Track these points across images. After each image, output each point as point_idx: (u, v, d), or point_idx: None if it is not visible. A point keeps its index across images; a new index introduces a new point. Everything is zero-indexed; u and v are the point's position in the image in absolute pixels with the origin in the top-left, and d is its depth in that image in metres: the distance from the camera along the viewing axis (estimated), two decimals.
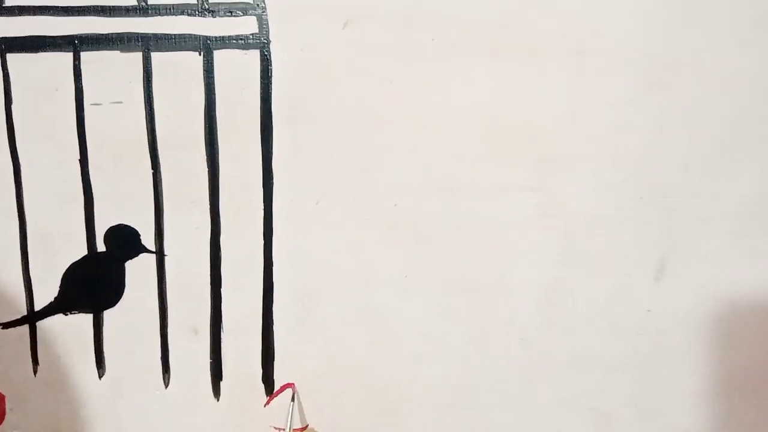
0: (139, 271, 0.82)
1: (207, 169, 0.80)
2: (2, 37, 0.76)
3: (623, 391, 0.86)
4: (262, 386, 0.85)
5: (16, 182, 0.79)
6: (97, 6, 0.76)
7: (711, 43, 0.79)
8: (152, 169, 0.79)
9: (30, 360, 0.84)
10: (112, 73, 0.77)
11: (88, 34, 0.76)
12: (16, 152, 0.78)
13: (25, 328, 0.83)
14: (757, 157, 0.80)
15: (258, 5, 0.76)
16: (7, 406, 0.85)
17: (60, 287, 0.82)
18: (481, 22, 0.77)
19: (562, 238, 0.83)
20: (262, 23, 0.76)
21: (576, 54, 0.78)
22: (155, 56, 0.77)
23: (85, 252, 0.81)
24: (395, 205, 0.81)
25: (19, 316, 0.82)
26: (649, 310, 0.83)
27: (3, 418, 0.85)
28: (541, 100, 0.79)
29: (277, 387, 0.85)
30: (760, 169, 0.80)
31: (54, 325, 0.83)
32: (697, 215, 0.81)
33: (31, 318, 0.83)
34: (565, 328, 0.84)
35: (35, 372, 0.84)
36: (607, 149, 0.81)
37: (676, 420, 0.86)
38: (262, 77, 0.77)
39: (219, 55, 0.77)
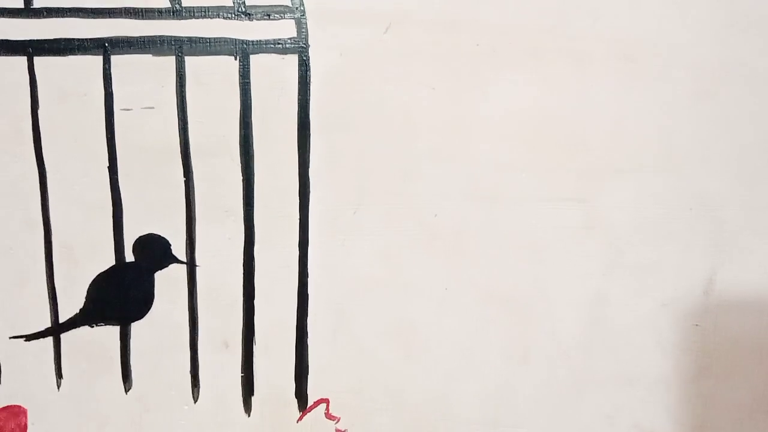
0: (169, 282, 0.78)
1: (241, 177, 0.75)
2: (29, 40, 0.72)
3: (667, 408, 0.82)
4: (294, 401, 0.81)
5: (41, 190, 0.75)
6: (128, 8, 0.72)
7: (761, 50, 0.75)
8: (184, 176, 0.75)
9: (53, 373, 0.79)
10: (143, 78, 0.73)
11: (118, 36, 0.72)
12: (42, 159, 0.74)
13: (48, 341, 0.79)
14: None
15: (297, 8, 0.72)
16: (29, 421, 0.80)
17: (86, 298, 0.78)
18: (526, 27, 0.73)
19: (607, 251, 0.79)
20: (301, 27, 0.72)
21: (623, 60, 0.75)
22: (189, 60, 0.73)
23: (112, 262, 0.77)
24: (435, 216, 0.77)
25: (42, 328, 0.78)
26: (696, 325, 0.79)
27: None
28: (586, 107, 0.75)
29: (310, 402, 0.81)
30: None
31: (79, 338, 0.79)
32: (747, 227, 0.78)
33: (56, 330, 0.78)
34: (608, 343, 0.81)
35: (59, 386, 0.80)
36: (653, 158, 0.77)
37: None
38: (300, 83, 0.73)
39: (255, 60, 0.73)
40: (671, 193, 0.77)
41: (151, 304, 0.78)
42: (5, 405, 0.80)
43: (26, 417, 0.81)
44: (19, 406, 0.80)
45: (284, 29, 0.72)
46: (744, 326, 0.80)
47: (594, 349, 0.81)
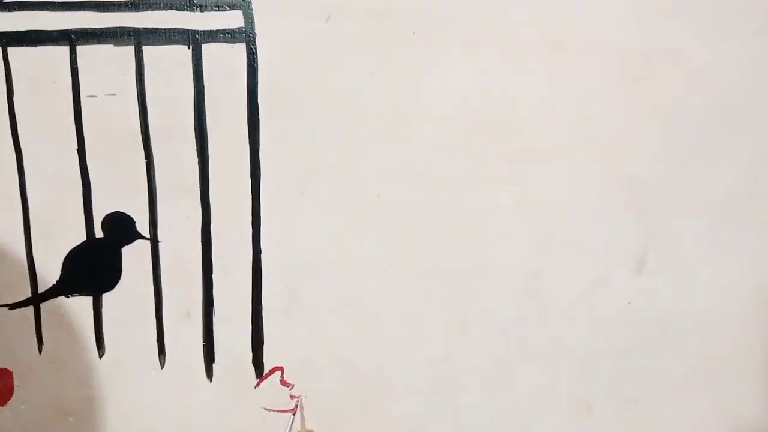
0: (135, 256, 0.71)
1: (197, 159, 0.68)
2: (3, 32, 0.65)
3: (602, 381, 0.72)
4: (252, 369, 0.73)
5: (18, 171, 0.68)
6: (92, 1, 0.65)
7: (687, 34, 0.66)
8: (146, 158, 0.68)
9: (35, 339, 0.73)
10: (106, 67, 0.66)
11: (83, 28, 0.65)
12: (19, 143, 0.68)
13: (29, 310, 0.72)
14: (735, 148, 0.67)
15: (244, 0, 0.64)
16: (15, 383, 0.74)
17: (61, 271, 0.71)
18: (459, 16, 0.65)
19: (541, 230, 0.70)
20: (248, 17, 0.65)
21: (552, 47, 0.66)
22: (147, 50, 0.66)
23: (84, 238, 0.70)
24: (378, 197, 0.69)
25: (23, 298, 0.71)
26: (629, 303, 0.69)
27: (11, 394, 0.74)
28: (518, 92, 0.66)
29: (266, 370, 0.73)
30: (738, 160, 0.67)
31: (57, 307, 0.72)
32: (676, 208, 0.68)
33: (35, 300, 0.72)
34: (543, 318, 0.71)
35: (40, 351, 0.73)
36: (584, 142, 0.68)
37: (655, 411, 0.72)
38: (248, 70, 0.66)
39: (207, 49, 0.65)
40: (602, 175, 0.68)
41: (120, 276, 0.71)
42: None
43: (13, 379, 0.74)
44: (6, 369, 0.74)
45: (233, 20, 0.65)
46: (674, 304, 0.69)
47: (529, 324, 0.72)
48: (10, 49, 0.66)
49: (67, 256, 0.71)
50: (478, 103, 0.67)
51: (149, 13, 0.65)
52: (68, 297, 0.72)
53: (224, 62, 0.66)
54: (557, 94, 0.66)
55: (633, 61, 0.66)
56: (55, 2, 0.65)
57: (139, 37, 0.66)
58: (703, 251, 0.69)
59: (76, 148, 0.68)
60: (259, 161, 0.68)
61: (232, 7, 0.65)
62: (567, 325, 0.71)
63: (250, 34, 0.65)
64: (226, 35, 0.65)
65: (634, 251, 0.69)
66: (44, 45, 0.66)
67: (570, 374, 0.73)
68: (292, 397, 0.74)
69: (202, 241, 0.71)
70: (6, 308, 0.72)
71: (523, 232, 0.69)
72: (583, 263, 0.70)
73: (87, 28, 0.66)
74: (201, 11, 0.65)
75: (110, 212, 0.70)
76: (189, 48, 0.66)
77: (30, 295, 0.72)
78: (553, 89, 0.66)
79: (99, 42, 0.66)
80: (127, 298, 0.72)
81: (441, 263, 0.71)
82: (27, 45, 0.66)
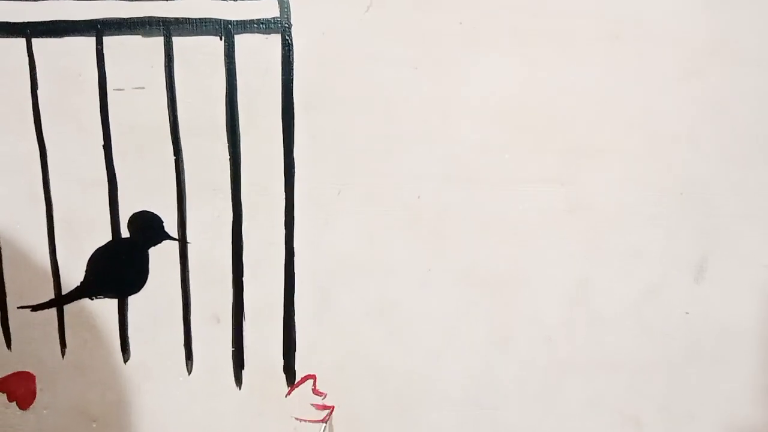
0: (162, 257, 0.68)
1: (228, 156, 0.65)
2: (27, 22, 0.62)
3: (652, 395, 0.68)
4: (283, 376, 0.70)
5: (42, 168, 0.66)
6: None
7: (748, 26, 0.61)
8: (174, 155, 0.65)
9: (58, 343, 0.70)
10: (134, 58, 0.63)
11: (109, 18, 0.62)
12: (43, 138, 0.65)
13: (53, 311, 0.70)
14: None
15: None
16: (38, 387, 0.72)
17: (86, 272, 0.68)
18: (509, 4, 0.61)
19: (591, 234, 0.66)
20: (284, 7, 0.61)
21: (609, 39, 0.62)
22: (176, 41, 0.63)
23: (109, 238, 0.67)
24: (418, 197, 0.65)
25: (46, 300, 0.69)
26: (687, 313, 0.65)
27: (34, 398, 0.72)
28: (571, 87, 0.63)
29: (298, 378, 0.70)
30: None
31: (80, 309, 0.69)
32: (738, 212, 0.64)
33: (59, 302, 0.69)
34: (591, 327, 0.67)
35: (63, 354, 0.70)
36: (639, 140, 0.64)
37: (710, 425, 0.68)
38: (283, 62, 0.63)
39: (240, 40, 0.62)
40: (658, 176, 0.64)
41: (146, 278, 0.69)
42: (16, 371, 0.72)
43: (35, 382, 0.72)
44: (29, 373, 0.72)
45: (267, 9, 0.62)
46: (735, 314, 0.65)
47: (577, 334, 0.68)
48: (34, 41, 0.63)
49: (91, 256, 0.69)
50: (526, 98, 0.63)
51: (179, 2, 0.62)
52: (93, 299, 0.70)
53: (258, 54, 0.63)
54: (612, 87, 0.62)
55: (693, 53, 0.62)
56: None
57: (168, 28, 0.63)
58: (766, 257, 0.65)
59: (102, 144, 0.66)
60: (293, 159, 0.65)
61: None
62: (617, 336, 0.67)
63: (286, 25, 0.62)
64: (260, 25, 0.62)
65: (692, 257, 0.65)
66: (70, 36, 0.63)
67: (619, 387, 0.69)
68: (324, 407, 0.71)
69: (232, 242, 0.68)
70: (29, 310, 0.70)
71: (571, 236, 0.66)
72: (636, 270, 0.66)
73: (114, 18, 0.63)
74: (234, 0, 0.62)
75: (137, 211, 0.68)
76: (221, 39, 0.63)
77: (53, 296, 0.70)
78: (607, 82, 0.62)
79: (126, 33, 0.63)
80: (154, 301, 0.69)
81: (482, 268, 0.67)
82: (52, 36, 0.63)
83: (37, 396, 0.72)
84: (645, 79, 0.62)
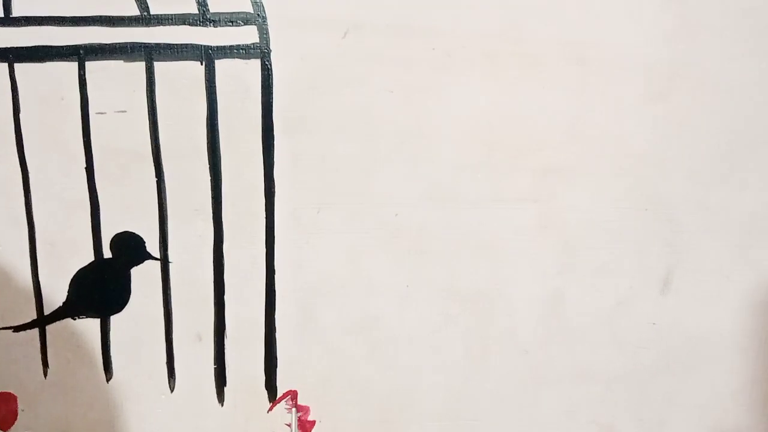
0: (144, 277, 0.71)
1: (209, 178, 0.68)
2: (10, 47, 0.65)
3: (626, 404, 0.72)
4: (265, 392, 0.73)
5: (24, 189, 0.68)
6: (102, 16, 0.65)
7: (712, 51, 0.66)
8: (156, 177, 0.68)
9: (40, 363, 0.72)
10: (116, 83, 0.66)
11: (92, 44, 0.65)
12: (25, 160, 0.68)
13: (35, 332, 0.72)
14: (761, 166, 0.67)
15: (258, 15, 0.64)
16: (19, 407, 0.74)
17: (68, 292, 0.71)
18: (480, 31, 0.65)
19: (562, 250, 0.70)
20: (263, 33, 0.65)
21: (576, 63, 0.66)
22: (158, 66, 0.66)
23: (91, 258, 0.70)
24: (396, 215, 0.69)
25: (29, 320, 0.71)
26: (654, 324, 0.69)
27: (15, 418, 0.74)
28: (540, 110, 0.67)
29: (279, 394, 0.73)
30: (765, 178, 0.67)
31: (63, 329, 0.72)
32: (702, 227, 0.68)
33: (41, 322, 0.71)
34: (565, 340, 0.71)
35: (45, 374, 0.73)
36: (608, 160, 0.68)
37: None
38: (263, 86, 0.66)
39: (220, 65, 0.66)
40: (626, 194, 0.68)
41: (129, 298, 0.71)
42: None
43: (17, 403, 0.74)
44: (10, 393, 0.74)
45: (247, 35, 0.65)
46: (700, 324, 0.70)
47: (552, 346, 0.71)
48: (17, 65, 0.66)
49: (74, 276, 0.71)
50: (498, 120, 0.67)
51: (161, 28, 0.65)
52: (75, 319, 0.72)
53: (238, 79, 0.66)
54: (580, 110, 0.67)
55: (657, 77, 0.66)
56: (63, 17, 0.65)
57: (150, 53, 0.66)
58: (729, 270, 0.70)
59: (85, 166, 0.68)
60: (273, 180, 0.68)
61: (246, 22, 0.65)
62: (590, 347, 0.71)
63: (265, 50, 0.66)
64: (240, 51, 0.66)
65: (659, 271, 0.69)
66: (52, 61, 0.66)
67: (593, 397, 0.73)
68: (306, 422, 0.73)
69: (214, 262, 0.71)
70: (10, 330, 0.72)
71: (544, 252, 0.70)
72: (606, 283, 0.70)
73: (96, 44, 0.66)
74: (214, 26, 0.65)
75: (119, 232, 0.70)
76: (201, 64, 0.66)
77: (35, 317, 0.72)
78: (575, 105, 0.67)
79: (108, 58, 0.66)
80: (136, 320, 0.72)
81: (460, 284, 0.71)
82: (34, 61, 0.66)
83: (18, 416, 0.74)
84: (611, 102, 0.66)
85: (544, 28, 0.65)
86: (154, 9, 0.65)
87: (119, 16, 0.65)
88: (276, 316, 0.72)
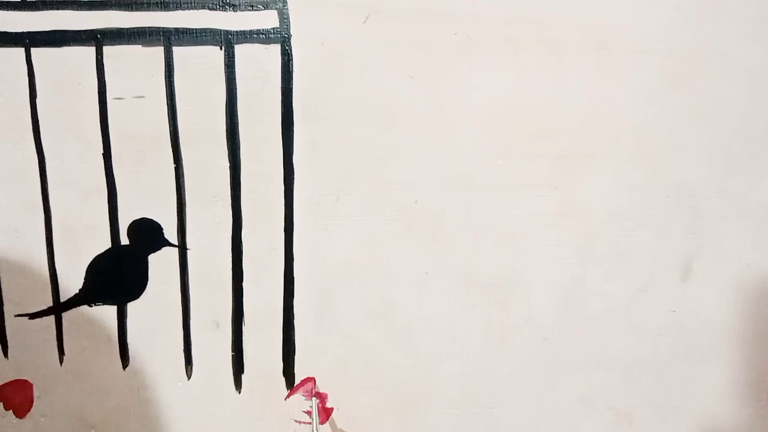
0: (161, 264, 0.71)
1: (228, 164, 0.68)
2: (26, 32, 0.65)
3: (643, 391, 0.73)
4: (282, 380, 0.74)
5: (41, 175, 0.69)
6: (120, 0, 0.64)
7: (735, 36, 0.66)
8: (174, 163, 0.68)
9: (56, 350, 0.73)
10: (134, 68, 0.66)
11: (110, 28, 0.65)
12: (41, 146, 0.68)
13: (51, 319, 0.72)
14: None
15: None
16: (35, 394, 0.74)
17: (84, 279, 0.71)
18: (502, 16, 0.65)
19: (582, 237, 0.70)
20: (283, 17, 0.65)
21: (597, 49, 0.66)
22: (176, 51, 0.66)
23: (108, 245, 0.70)
24: (415, 202, 0.69)
25: (45, 307, 0.71)
26: (674, 311, 0.70)
27: (31, 406, 0.75)
28: (561, 95, 0.67)
29: (297, 381, 0.74)
30: None
31: (79, 317, 0.72)
32: (723, 214, 0.69)
33: (57, 309, 0.72)
34: (584, 327, 0.72)
35: (61, 362, 0.73)
36: (629, 146, 0.68)
37: (699, 421, 0.73)
38: (282, 72, 0.66)
39: (240, 50, 0.66)
40: (647, 180, 0.69)
41: (146, 285, 0.72)
42: (13, 379, 0.74)
43: (32, 390, 0.75)
44: (26, 380, 0.75)
45: (267, 20, 0.65)
46: (720, 311, 0.70)
47: (570, 333, 0.72)
48: (33, 50, 0.66)
49: (90, 263, 0.72)
50: (519, 106, 0.67)
51: (179, 12, 0.65)
52: (91, 306, 0.73)
53: (258, 64, 0.66)
54: (602, 96, 0.67)
55: (680, 63, 0.66)
56: (80, 1, 0.65)
57: (168, 38, 0.66)
58: (750, 257, 0.70)
59: (102, 152, 0.69)
60: (292, 166, 0.69)
61: (266, 6, 0.65)
62: (609, 335, 0.72)
63: (285, 35, 0.66)
64: (260, 36, 0.66)
65: (679, 258, 0.70)
66: (69, 45, 0.66)
67: (610, 384, 0.73)
68: (324, 409, 0.74)
69: (232, 249, 0.71)
70: (26, 317, 0.73)
71: (564, 239, 0.70)
72: (626, 271, 0.70)
73: (114, 28, 0.66)
74: (234, 11, 0.65)
75: (136, 218, 0.71)
76: (221, 49, 0.66)
77: (52, 304, 0.72)
78: (597, 91, 0.67)
79: (126, 42, 0.66)
80: (153, 307, 0.72)
81: (478, 270, 0.71)
82: (51, 45, 0.66)
83: (34, 404, 0.75)
84: (633, 88, 0.67)
85: (565, 12, 0.65)
86: None
87: (137, 0, 0.65)
88: (294, 303, 0.72)
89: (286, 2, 0.65)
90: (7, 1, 0.65)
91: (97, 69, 0.67)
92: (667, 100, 0.67)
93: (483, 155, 0.69)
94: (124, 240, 0.71)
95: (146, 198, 0.70)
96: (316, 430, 0.72)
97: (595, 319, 0.72)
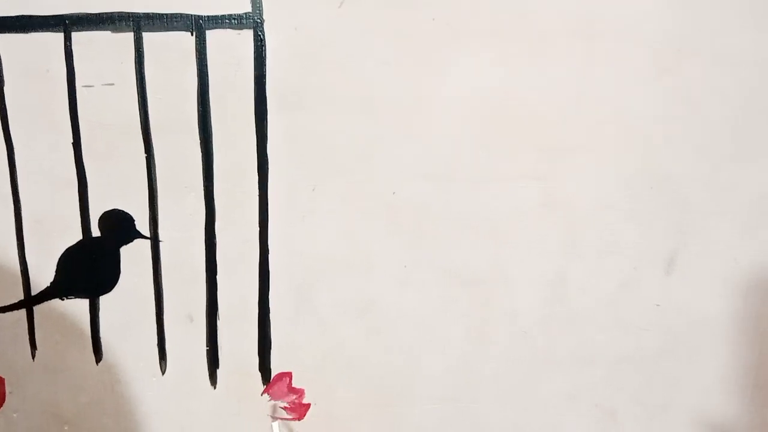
0: (134, 256, 0.70)
1: (200, 154, 0.67)
2: None
3: (628, 388, 0.72)
4: (258, 375, 0.73)
5: (10, 166, 0.68)
6: None
7: (721, 26, 0.65)
8: (146, 153, 0.67)
9: (28, 344, 0.72)
10: (103, 54, 0.65)
11: (78, 13, 0.64)
12: (10, 135, 0.67)
13: (22, 313, 0.72)
14: None
15: None
16: (7, 389, 0.74)
17: (56, 272, 0.70)
18: (483, 2, 0.64)
19: (566, 230, 0.69)
20: (256, 2, 0.64)
21: (582, 38, 0.65)
22: (147, 36, 0.65)
23: (80, 237, 0.69)
24: (393, 194, 0.68)
25: (16, 301, 0.71)
26: (657, 305, 0.69)
27: (3, 401, 0.74)
28: (544, 85, 0.66)
29: (273, 376, 0.73)
30: None
31: (51, 310, 0.72)
32: (709, 207, 0.68)
33: (28, 302, 0.71)
34: (568, 322, 0.71)
35: (33, 356, 0.73)
36: (613, 137, 0.67)
37: (685, 417, 0.72)
38: (255, 58, 0.65)
39: (211, 35, 0.65)
40: (632, 172, 0.68)
41: (118, 278, 0.71)
42: None
43: (4, 385, 0.74)
44: None
45: (239, 4, 0.64)
46: (705, 307, 0.69)
47: (553, 329, 0.71)
48: (0, 36, 0.65)
49: (61, 256, 0.71)
50: (501, 96, 0.66)
51: None
52: (63, 299, 0.72)
53: (230, 50, 0.65)
54: (585, 86, 0.66)
55: (664, 53, 0.65)
56: None
57: (138, 23, 0.65)
58: (737, 251, 0.69)
59: (72, 141, 0.68)
60: (266, 156, 0.68)
61: None
62: (593, 330, 0.71)
63: (258, 20, 0.65)
64: (232, 21, 0.65)
65: (664, 252, 0.69)
66: (37, 31, 0.65)
67: (595, 381, 0.73)
68: (299, 405, 0.73)
69: (205, 241, 0.70)
70: None
71: (547, 232, 0.69)
72: (610, 264, 0.69)
73: (82, 13, 0.65)
74: None
75: (108, 210, 0.70)
76: (192, 35, 0.65)
77: (23, 297, 0.72)
78: (581, 81, 0.66)
79: (95, 28, 0.65)
80: (126, 301, 0.72)
81: (460, 264, 0.71)
82: (18, 31, 0.65)
83: (6, 399, 0.74)
84: (618, 78, 0.66)
85: (548, 1, 0.64)
86: None
87: None
88: (270, 297, 0.71)
89: None
90: None
91: (65, 55, 0.66)
92: (653, 91, 0.66)
93: (464, 146, 0.68)
94: (96, 232, 0.70)
95: (117, 189, 0.69)
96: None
97: (580, 315, 0.71)
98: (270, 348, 0.73)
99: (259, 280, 0.71)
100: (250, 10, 0.64)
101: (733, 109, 0.67)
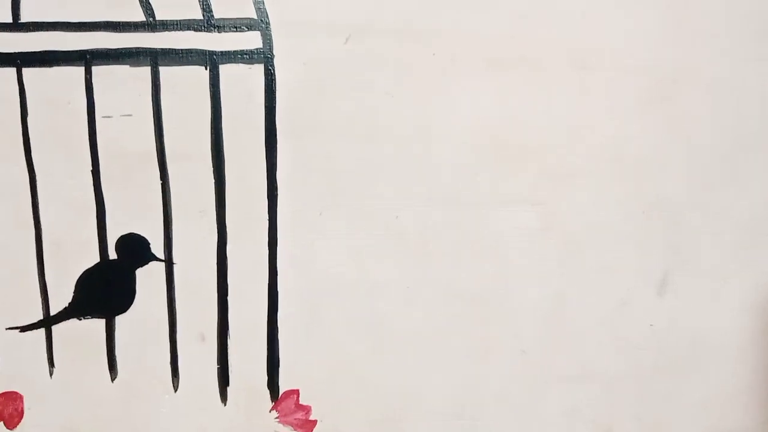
0: (149, 278, 0.74)
1: (213, 180, 0.71)
2: (18, 52, 0.69)
3: (625, 405, 0.75)
4: (267, 392, 0.76)
5: (31, 192, 0.72)
6: (108, 22, 0.68)
7: (713, 55, 0.69)
8: (161, 179, 0.71)
9: (46, 362, 0.76)
10: (122, 87, 0.70)
11: (98, 49, 0.69)
12: (32, 163, 0.71)
13: (41, 332, 0.75)
14: (760, 168, 0.70)
15: (262, 20, 0.68)
16: (26, 406, 0.77)
17: (74, 293, 0.74)
18: (481, 35, 0.68)
19: (563, 252, 0.73)
20: (266, 38, 0.68)
21: (577, 68, 0.69)
22: (163, 70, 0.69)
23: (97, 259, 0.73)
24: (396, 217, 0.72)
25: (35, 320, 0.75)
26: (651, 325, 0.72)
27: (21, 417, 0.78)
28: (542, 113, 0.70)
29: (281, 393, 0.76)
30: (764, 180, 0.69)
31: (68, 330, 0.75)
32: (700, 229, 0.71)
33: (47, 322, 0.75)
34: (566, 340, 0.74)
35: (51, 374, 0.76)
36: (608, 163, 0.71)
37: None
38: (266, 91, 0.69)
39: (224, 70, 0.69)
40: (625, 197, 0.71)
41: (133, 298, 0.75)
42: (3, 391, 0.77)
43: (23, 402, 0.78)
44: (16, 392, 0.77)
45: (251, 41, 0.69)
46: (699, 326, 0.73)
47: (553, 347, 0.75)
48: (24, 70, 0.69)
49: (79, 277, 0.75)
50: (500, 123, 0.70)
51: (166, 33, 0.69)
52: (81, 319, 0.76)
53: (242, 83, 0.69)
54: (581, 113, 0.70)
55: (658, 81, 0.69)
56: (70, 23, 0.69)
57: (155, 58, 0.69)
58: (728, 272, 0.73)
59: (91, 169, 0.72)
60: (276, 182, 0.72)
61: (250, 27, 0.69)
62: (591, 348, 0.74)
63: (268, 55, 0.69)
64: (244, 56, 0.69)
65: (657, 272, 0.72)
66: (59, 65, 0.69)
67: (592, 398, 0.76)
68: (307, 422, 0.77)
69: (217, 263, 0.74)
70: (17, 330, 0.76)
71: (545, 254, 0.73)
72: (606, 285, 0.73)
73: (102, 49, 0.69)
74: (218, 32, 0.69)
75: (124, 234, 0.74)
76: (206, 69, 0.69)
77: (42, 317, 0.75)
78: (577, 109, 0.70)
79: (115, 62, 0.69)
80: (141, 321, 0.75)
81: (462, 285, 0.74)
82: (42, 65, 0.69)
83: (24, 415, 0.78)
84: (612, 106, 0.70)
85: (546, 32, 0.68)
86: (160, 15, 0.68)
87: (125, 22, 0.69)
88: (279, 317, 0.75)
89: (269, 24, 0.68)
90: None
91: (86, 88, 0.70)
92: (646, 118, 0.70)
93: (465, 171, 0.72)
94: (113, 255, 0.74)
95: (134, 213, 0.73)
96: None
97: (577, 333, 0.74)
98: (278, 366, 0.76)
99: (269, 301, 0.75)
100: (261, 45, 0.69)
101: (723, 136, 0.71)
